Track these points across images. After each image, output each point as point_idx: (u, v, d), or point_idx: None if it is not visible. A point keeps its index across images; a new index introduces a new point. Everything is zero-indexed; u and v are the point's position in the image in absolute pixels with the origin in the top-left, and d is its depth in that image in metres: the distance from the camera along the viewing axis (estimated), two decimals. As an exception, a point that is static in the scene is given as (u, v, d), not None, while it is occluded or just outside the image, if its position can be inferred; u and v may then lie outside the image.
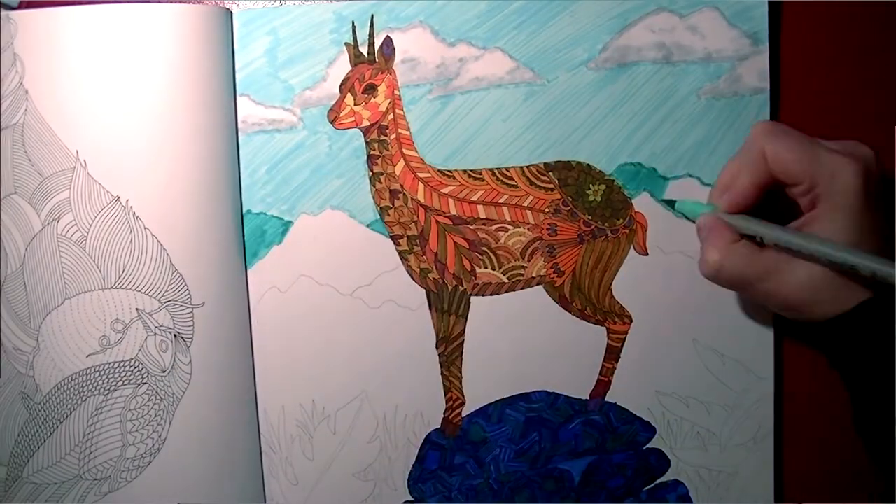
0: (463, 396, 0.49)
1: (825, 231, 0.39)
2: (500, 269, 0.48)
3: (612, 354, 0.49)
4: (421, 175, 0.48)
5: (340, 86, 0.48)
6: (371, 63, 0.48)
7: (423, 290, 0.49)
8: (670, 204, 0.47)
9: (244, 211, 0.48)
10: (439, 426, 0.49)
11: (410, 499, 0.49)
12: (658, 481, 0.49)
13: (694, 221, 0.45)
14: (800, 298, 0.40)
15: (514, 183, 0.48)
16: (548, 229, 0.48)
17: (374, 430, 0.49)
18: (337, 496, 0.49)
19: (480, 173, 0.48)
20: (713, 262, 0.42)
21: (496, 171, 0.48)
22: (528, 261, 0.48)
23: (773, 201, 0.43)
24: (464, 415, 0.49)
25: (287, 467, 0.49)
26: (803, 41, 0.48)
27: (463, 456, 0.49)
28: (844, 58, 0.48)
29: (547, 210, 0.48)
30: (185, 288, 0.47)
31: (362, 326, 0.48)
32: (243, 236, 0.48)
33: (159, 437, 0.47)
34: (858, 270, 0.38)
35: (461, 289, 0.49)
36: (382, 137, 0.48)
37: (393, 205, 0.48)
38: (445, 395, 0.49)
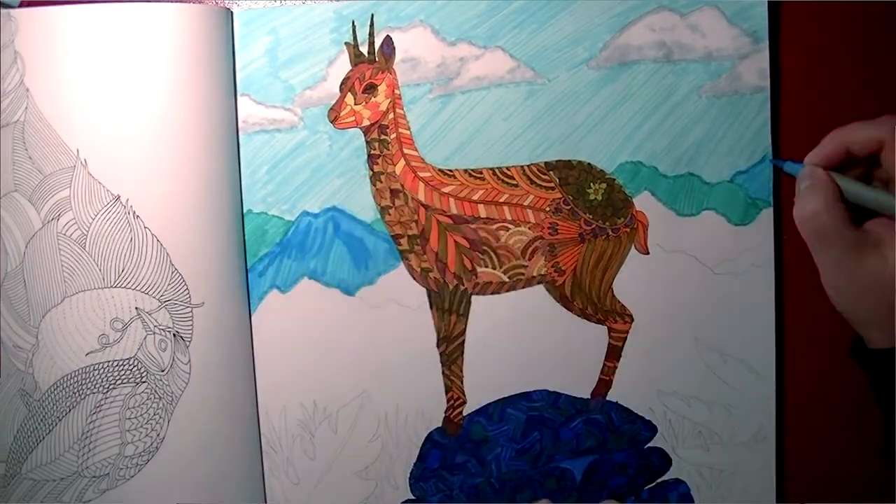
0: (464, 395, 0.49)
1: None
2: (500, 268, 0.48)
3: (614, 353, 0.49)
4: (421, 174, 0.48)
5: (341, 85, 0.48)
6: (371, 62, 0.48)
7: (424, 290, 0.48)
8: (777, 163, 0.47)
9: (245, 211, 0.48)
10: (441, 425, 0.49)
11: (412, 497, 0.49)
12: (659, 480, 0.49)
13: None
14: (871, 289, 0.40)
15: (514, 182, 0.48)
16: (549, 228, 0.48)
17: (375, 429, 0.49)
18: (338, 495, 0.49)
19: (481, 172, 0.48)
20: (811, 209, 0.41)
21: (497, 170, 0.48)
22: (529, 260, 0.48)
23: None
24: (465, 414, 0.49)
25: (288, 467, 0.49)
26: (803, 40, 0.48)
27: (464, 455, 0.49)
28: (844, 56, 0.48)
29: (548, 209, 0.48)
30: (185, 287, 0.47)
31: (363, 326, 0.48)
32: (244, 236, 0.48)
33: (158, 435, 0.47)
34: None
35: (462, 288, 0.48)
36: (383, 137, 0.48)
37: (393, 204, 0.48)
38: (446, 394, 0.49)
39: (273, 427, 0.49)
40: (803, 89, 0.48)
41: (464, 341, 0.49)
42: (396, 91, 0.48)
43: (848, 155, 0.42)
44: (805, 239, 0.42)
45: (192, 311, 0.47)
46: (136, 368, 0.47)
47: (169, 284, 0.46)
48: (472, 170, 0.48)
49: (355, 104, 0.48)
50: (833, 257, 0.41)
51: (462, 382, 0.49)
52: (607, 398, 0.49)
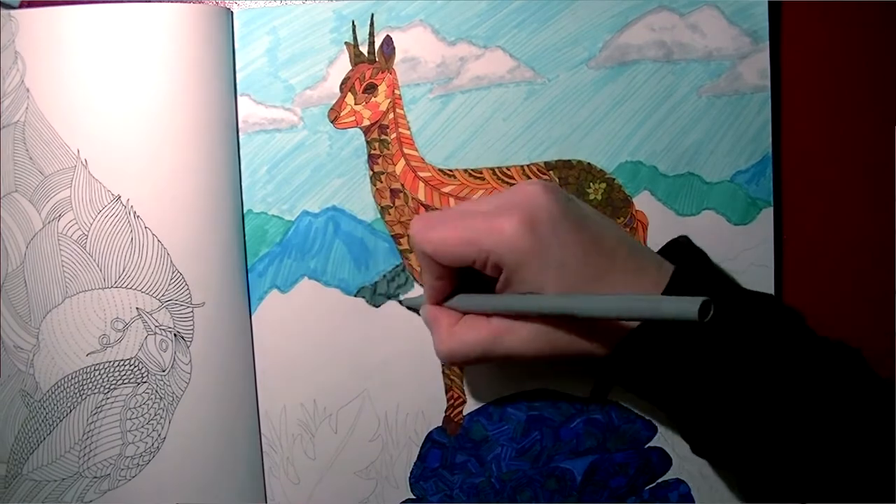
0: (464, 395, 0.49)
1: (527, 286, 0.37)
2: (500, 267, 0.48)
3: (613, 353, 0.49)
4: (422, 174, 0.48)
5: (341, 85, 0.48)
6: (371, 62, 0.48)
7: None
8: (401, 303, 0.48)
9: (245, 211, 0.48)
10: (441, 425, 0.49)
11: (412, 497, 0.49)
12: (660, 480, 0.49)
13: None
14: (541, 350, 0.38)
15: (514, 182, 0.48)
16: (548, 228, 0.48)
17: (375, 428, 0.49)
18: (338, 495, 0.49)
19: (481, 172, 0.48)
20: (441, 350, 0.41)
21: (497, 170, 0.48)
22: (529, 259, 0.48)
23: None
24: (465, 413, 0.49)
25: (288, 466, 0.49)
26: (804, 39, 0.48)
27: (464, 454, 0.49)
28: (845, 56, 0.48)
29: (547, 209, 0.48)
30: (186, 287, 0.47)
31: (363, 325, 0.48)
32: (244, 236, 0.48)
33: (159, 435, 0.47)
34: (576, 316, 0.35)
35: (462, 287, 0.48)
36: (383, 137, 0.48)
37: (394, 204, 0.48)
38: (447, 393, 0.49)
39: (273, 427, 0.49)
40: (804, 89, 0.48)
41: (464, 341, 0.48)
42: (396, 91, 0.48)
43: (449, 278, 0.40)
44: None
45: (192, 311, 0.47)
46: (137, 369, 0.47)
47: (170, 284, 0.47)
48: (472, 170, 0.48)
49: (355, 104, 0.48)
50: (503, 354, 0.39)
51: (462, 382, 0.49)
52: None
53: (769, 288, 0.48)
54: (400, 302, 0.48)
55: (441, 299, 0.42)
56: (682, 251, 0.42)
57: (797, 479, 0.36)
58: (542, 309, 0.37)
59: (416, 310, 0.47)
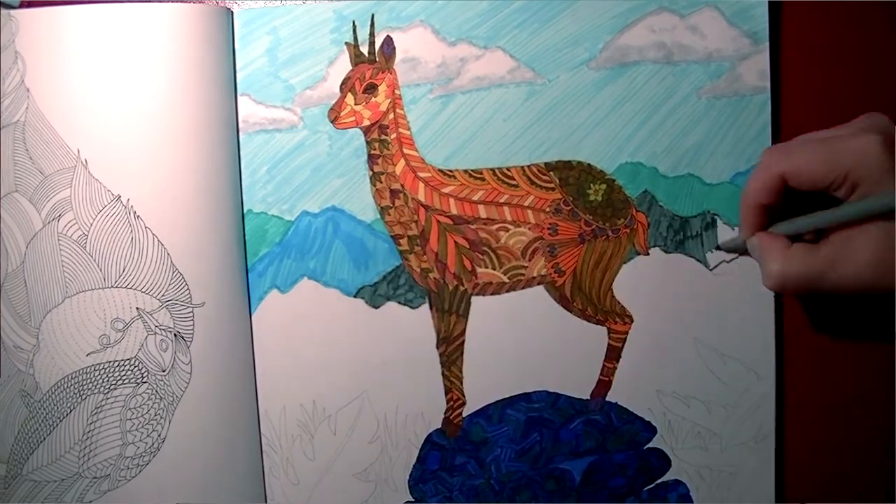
0: (464, 396, 0.49)
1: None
2: (500, 268, 0.48)
3: (613, 354, 0.49)
4: (421, 175, 0.48)
5: (341, 85, 0.48)
6: (371, 62, 0.48)
7: (424, 290, 0.48)
8: (718, 248, 0.48)
9: (245, 211, 0.48)
10: (440, 426, 0.49)
11: (411, 499, 0.49)
12: (659, 481, 0.49)
13: (743, 254, 0.46)
14: (871, 276, 0.40)
15: (514, 182, 0.48)
16: (549, 229, 0.48)
17: (374, 430, 0.49)
18: (338, 496, 0.49)
19: (481, 173, 0.48)
20: (775, 273, 0.41)
21: (497, 170, 0.48)
22: (529, 260, 0.48)
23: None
24: (464, 415, 0.49)
25: (288, 467, 0.49)
26: (804, 40, 0.48)
27: (464, 456, 0.49)
28: (845, 57, 0.48)
29: (548, 210, 0.48)
30: (186, 287, 0.47)
31: (363, 327, 0.48)
32: (244, 236, 0.48)
33: (159, 436, 0.47)
34: None
35: (462, 288, 0.48)
36: (383, 137, 0.48)
37: (393, 204, 0.48)
38: (446, 395, 0.49)
39: (273, 427, 0.49)
40: (804, 90, 0.48)
41: (464, 342, 0.49)
42: (397, 91, 0.48)
43: (766, 209, 0.42)
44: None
45: (192, 311, 0.47)
46: (137, 369, 0.47)
47: (170, 284, 0.47)
48: (472, 170, 0.48)
49: (355, 104, 0.48)
50: (832, 282, 0.40)
51: (462, 383, 0.49)
52: (607, 399, 0.49)
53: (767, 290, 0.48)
54: (718, 247, 0.48)
55: (760, 229, 0.43)
56: None
57: None
58: (885, 206, 0.38)
59: (734, 250, 0.47)
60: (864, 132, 0.40)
